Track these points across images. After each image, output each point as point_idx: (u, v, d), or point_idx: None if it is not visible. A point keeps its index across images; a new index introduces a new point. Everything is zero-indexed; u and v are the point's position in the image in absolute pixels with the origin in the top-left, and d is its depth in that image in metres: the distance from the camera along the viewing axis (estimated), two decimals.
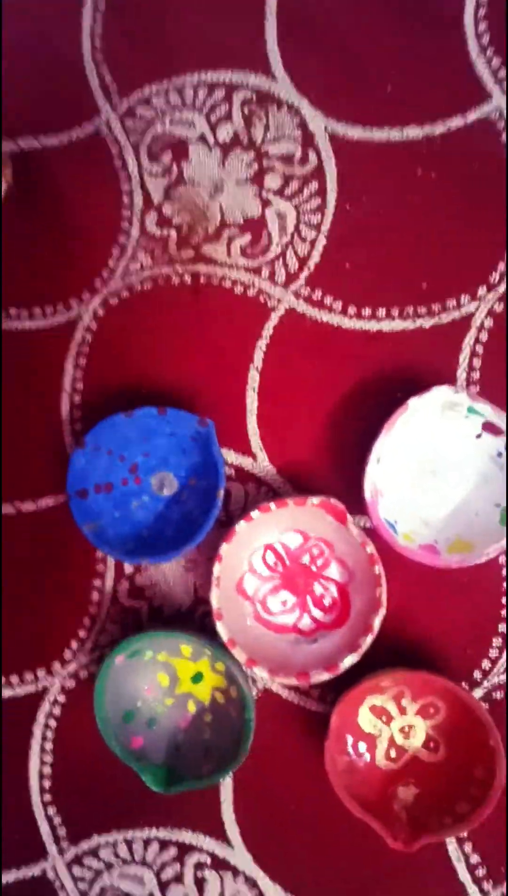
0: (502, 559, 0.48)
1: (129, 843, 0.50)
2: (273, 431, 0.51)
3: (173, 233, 0.52)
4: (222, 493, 0.46)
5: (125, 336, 0.52)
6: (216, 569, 0.46)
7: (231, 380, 0.51)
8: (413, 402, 0.45)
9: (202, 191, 0.52)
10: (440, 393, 0.45)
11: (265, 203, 0.51)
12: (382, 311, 0.50)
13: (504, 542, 0.43)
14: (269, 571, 0.49)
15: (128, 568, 0.51)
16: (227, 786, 0.49)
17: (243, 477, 0.51)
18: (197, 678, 0.50)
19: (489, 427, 0.46)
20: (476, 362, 0.49)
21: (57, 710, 0.51)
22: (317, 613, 0.49)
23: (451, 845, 0.47)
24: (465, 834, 0.47)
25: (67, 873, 0.51)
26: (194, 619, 0.51)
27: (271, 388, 0.51)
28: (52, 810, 0.51)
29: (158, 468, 0.51)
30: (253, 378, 0.51)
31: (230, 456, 0.51)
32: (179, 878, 0.50)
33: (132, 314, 0.52)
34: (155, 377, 0.52)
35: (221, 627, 0.45)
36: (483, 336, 0.49)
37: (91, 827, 0.51)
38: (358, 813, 0.43)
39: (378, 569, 0.45)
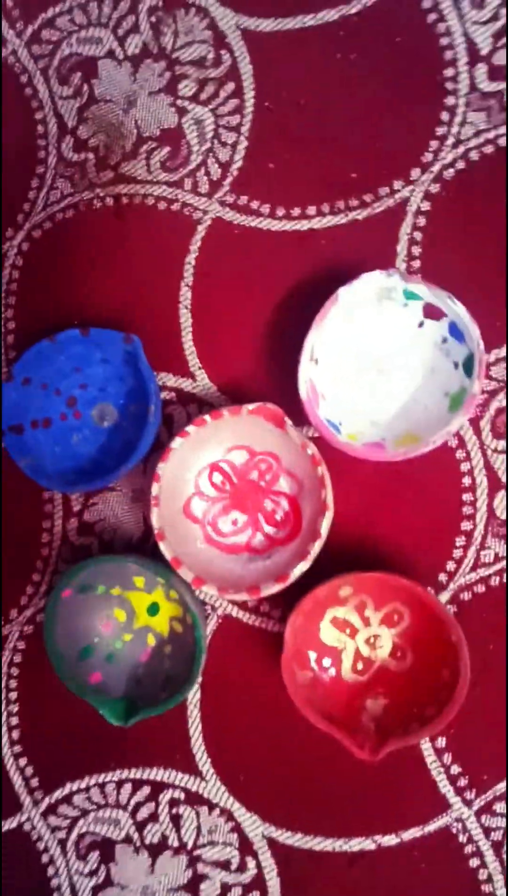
0: (459, 454, 0.45)
1: (101, 787, 0.49)
2: (210, 348, 0.49)
3: (91, 155, 0.50)
4: (153, 409, 0.44)
5: (52, 268, 0.51)
6: (154, 488, 0.44)
7: (163, 300, 0.49)
8: (343, 292, 0.42)
9: (116, 107, 0.50)
10: (370, 279, 0.42)
11: (181, 112, 0.49)
12: (312, 209, 0.47)
13: (450, 427, 0.40)
14: (216, 492, 0.47)
15: (76, 505, 0.50)
16: (194, 717, 0.48)
17: (183, 399, 0.49)
18: (153, 610, 0.48)
19: (430, 311, 0.43)
20: (416, 250, 0.46)
21: (18, 658, 0.50)
22: (269, 530, 0.46)
23: (429, 758, 0.44)
24: (443, 743, 0.44)
25: (44, 823, 0.50)
26: (147, 550, 0.49)
27: (205, 304, 0.49)
28: (22, 761, 0.50)
29: (96, 400, 0.49)
30: (185, 295, 0.49)
31: (169, 380, 0.49)
32: (154, 817, 0.48)
33: (57, 244, 0.51)
34: (86, 306, 0.50)
35: (164, 547, 0.43)
36: (421, 221, 0.46)
37: (63, 775, 0.50)
38: (322, 726, 0.41)
39: (321, 469, 0.42)
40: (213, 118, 0.49)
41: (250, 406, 0.43)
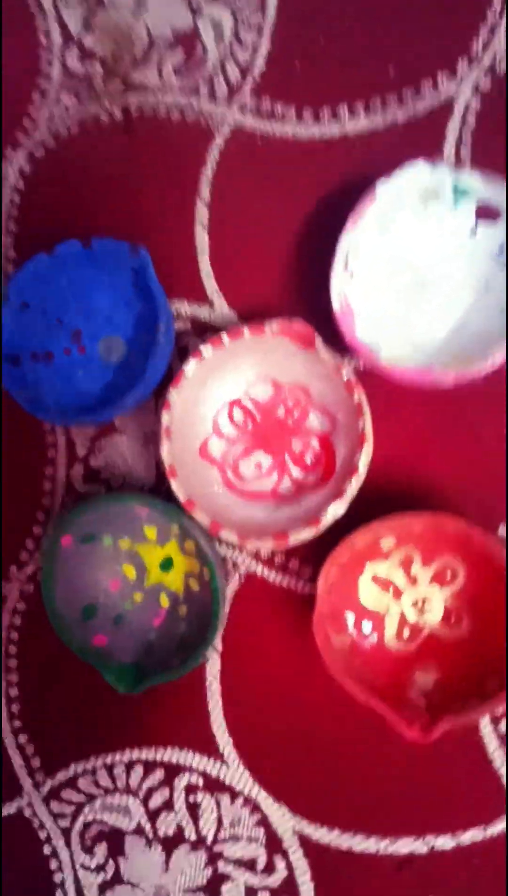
0: None
1: (109, 769, 0.43)
2: (230, 271, 0.43)
3: (98, 66, 0.45)
4: (162, 327, 0.38)
5: (57, 190, 0.46)
6: (165, 418, 0.38)
7: (177, 219, 0.44)
8: (382, 188, 0.36)
9: (124, 10, 0.45)
10: (414, 173, 0.36)
11: (197, 11, 0.44)
12: (344, 109, 0.42)
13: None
14: (237, 431, 0.41)
15: (81, 450, 0.45)
16: (214, 692, 0.41)
17: (200, 329, 0.43)
18: (166, 565, 0.42)
19: (484, 213, 0.37)
20: (465, 152, 0.40)
21: (18, 621, 0.45)
22: (298, 474, 0.40)
23: (491, 744, 0.37)
24: (502, 714, 0.37)
25: (45, 810, 0.44)
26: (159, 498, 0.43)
27: (224, 223, 0.43)
28: (22, 738, 0.45)
29: (103, 332, 0.44)
30: (201, 214, 0.43)
31: (184, 307, 0.44)
32: (169, 805, 0.42)
33: (62, 164, 0.46)
34: (92, 230, 0.45)
35: (176, 486, 0.38)
36: (471, 120, 0.40)
37: (67, 754, 0.44)
38: (363, 698, 0.34)
39: (358, 396, 0.36)
40: (231, 17, 0.43)
41: (274, 323, 0.37)
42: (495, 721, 0.37)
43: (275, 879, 0.40)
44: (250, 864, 0.40)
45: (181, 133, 0.44)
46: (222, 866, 0.41)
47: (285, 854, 0.40)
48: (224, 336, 0.38)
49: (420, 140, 0.41)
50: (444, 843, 0.38)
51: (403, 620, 0.38)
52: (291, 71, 0.43)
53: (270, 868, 0.40)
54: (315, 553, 0.40)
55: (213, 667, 0.42)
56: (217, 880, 0.41)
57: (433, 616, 0.38)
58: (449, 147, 0.40)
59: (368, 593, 0.38)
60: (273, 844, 0.40)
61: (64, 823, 0.44)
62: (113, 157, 0.45)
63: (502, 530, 0.38)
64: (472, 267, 0.38)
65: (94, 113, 0.45)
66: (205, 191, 0.43)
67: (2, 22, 0.47)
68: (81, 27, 0.46)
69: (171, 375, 0.41)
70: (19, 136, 0.46)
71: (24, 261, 0.45)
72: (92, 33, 0.46)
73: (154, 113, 0.44)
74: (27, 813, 0.44)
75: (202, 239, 0.43)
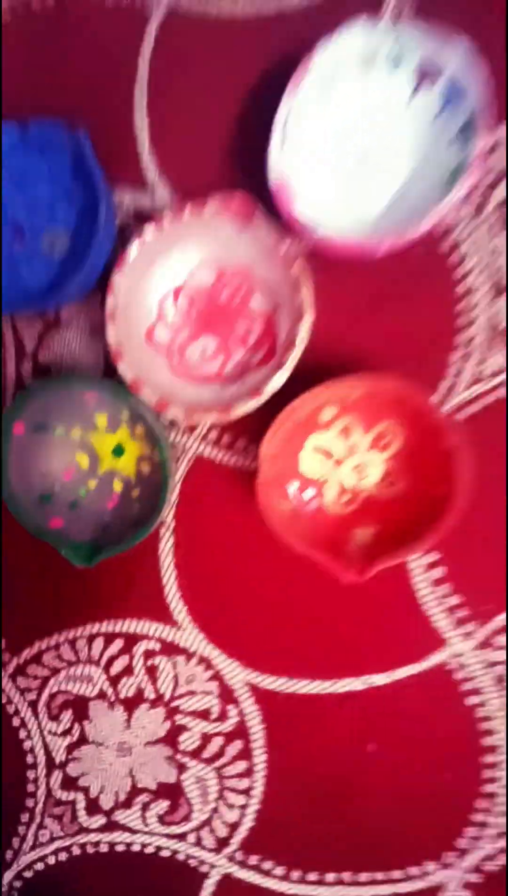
0: (454, 258, 0.40)
1: (72, 643, 0.46)
2: (170, 154, 0.43)
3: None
4: (103, 209, 0.38)
5: None
6: (110, 302, 0.39)
7: (115, 103, 0.43)
8: (319, 52, 0.36)
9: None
10: (350, 37, 0.36)
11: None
12: None
13: (443, 204, 0.35)
14: (182, 318, 0.42)
15: (29, 345, 0.45)
16: (168, 565, 0.44)
17: (141, 217, 0.43)
18: (118, 451, 0.43)
19: (423, 75, 0.37)
20: (405, 7, 0.40)
21: None
22: (242, 355, 0.42)
23: (424, 589, 0.41)
24: (440, 574, 0.41)
25: (13, 685, 0.47)
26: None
27: (163, 103, 0.42)
28: None
29: (45, 226, 0.43)
30: (140, 96, 0.42)
31: (126, 197, 0.43)
32: (129, 671, 0.45)
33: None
34: (27, 111, 0.43)
35: (123, 368, 0.39)
36: None
37: (32, 633, 0.46)
38: (301, 549, 0.37)
39: (296, 268, 0.37)
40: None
41: (215, 201, 0.38)
42: (428, 568, 0.41)
43: (228, 726, 0.44)
44: (204, 715, 0.44)
45: (117, 15, 0.42)
46: (179, 719, 0.44)
47: (236, 703, 0.44)
48: (165, 217, 0.38)
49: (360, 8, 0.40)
50: (380, 679, 0.42)
51: (342, 487, 0.41)
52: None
53: (223, 716, 0.44)
54: (259, 431, 0.42)
55: (166, 543, 0.44)
56: (175, 731, 0.44)
57: (371, 479, 0.41)
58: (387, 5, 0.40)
59: (309, 463, 0.41)
60: (226, 696, 0.44)
61: (31, 697, 0.47)
62: (48, 41, 0.43)
63: (436, 397, 0.41)
64: (411, 134, 0.38)
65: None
66: (143, 69, 0.42)
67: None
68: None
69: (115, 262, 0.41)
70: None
71: None
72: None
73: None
74: None
75: (142, 122, 0.43)
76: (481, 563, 0.40)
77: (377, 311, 0.40)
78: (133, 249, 0.39)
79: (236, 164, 0.42)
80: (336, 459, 0.41)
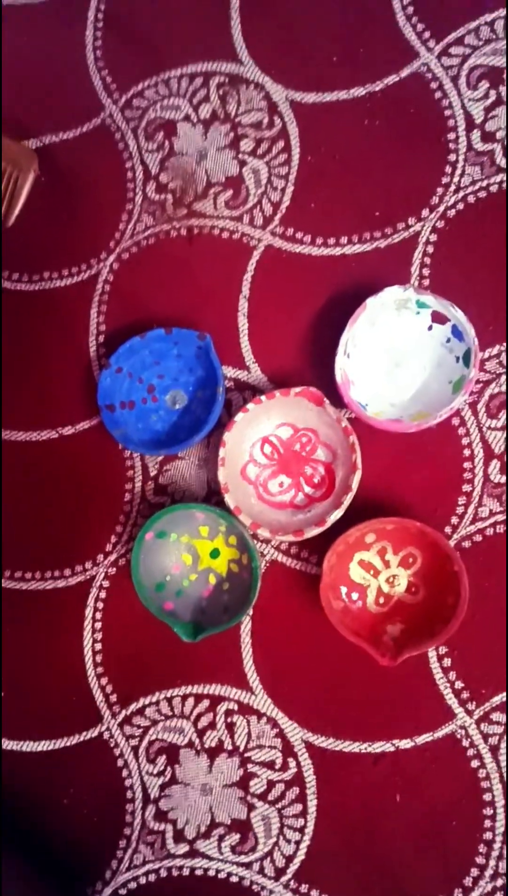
0: (461, 431, 0.57)
1: (169, 701, 0.60)
2: (262, 347, 0.61)
3: (169, 196, 0.64)
4: (221, 389, 0.56)
5: (136, 283, 0.64)
6: (221, 451, 0.56)
7: (225, 308, 0.62)
8: (370, 301, 0.54)
9: (190, 159, 0.64)
10: (392, 292, 0.54)
11: (242, 163, 0.62)
12: (344, 239, 0.60)
13: (454, 403, 0.52)
14: (267, 460, 0.59)
15: (152, 471, 0.62)
16: (247, 643, 0.58)
17: (240, 387, 0.61)
18: (215, 554, 0.59)
19: (437, 317, 0.55)
20: (426, 271, 0.59)
21: (103, 594, 0.62)
22: (309, 490, 0.58)
23: (437, 674, 0.55)
24: (449, 663, 0.55)
25: (120, 732, 0.61)
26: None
27: (258, 312, 0.61)
28: (104, 681, 0.61)
29: (170, 387, 0.62)
30: (243, 305, 0.62)
31: (229, 371, 0.61)
32: (212, 725, 0.58)
33: (141, 264, 0.64)
34: (162, 314, 0.63)
35: (228, 498, 0.55)
36: (430, 248, 0.59)
37: (138, 691, 0.61)
38: (352, 638, 0.52)
39: (352, 438, 0.54)
40: (267, 168, 0.62)
41: (297, 389, 0.55)
42: (440, 658, 0.55)
43: (288, 775, 0.57)
44: (270, 765, 0.57)
45: (230, 246, 0.62)
46: (250, 767, 0.57)
47: (295, 756, 0.57)
48: (263, 397, 0.56)
49: (396, 258, 0.59)
50: (405, 743, 0.55)
51: (379, 591, 0.56)
52: (308, 209, 0.61)
53: (284, 767, 0.57)
54: (318, 546, 0.58)
55: (245, 626, 0.59)
56: (247, 777, 0.57)
57: (400, 588, 0.56)
58: (415, 267, 0.59)
59: (356, 573, 0.56)
60: (287, 750, 0.57)
61: (134, 743, 0.60)
62: (178, 260, 0.63)
63: (448, 528, 0.56)
64: (430, 351, 0.56)
65: (165, 229, 0.63)
66: (246, 288, 0.62)
67: (102, 163, 0.65)
68: (158, 168, 0.64)
69: (219, 421, 0.59)
70: (111, 243, 0.64)
71: (109, 333, 0.64)
72: (166, 173, 0.64)
73: (210, 232, 0.63)
74: (105, 736, 0.61)
75: (243, 323, 0.61)
76: (479, 656, 0.54)
77: (406, 469, 0.57)
78: (239, 417, 0.56)
79: (308, 359, 0.60)
80: (375, 571, 0.56)
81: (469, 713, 0.54)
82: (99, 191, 0.65)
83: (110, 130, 0.65)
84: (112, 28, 0.66)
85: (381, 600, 0.56)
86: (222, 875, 0.57)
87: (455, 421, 0.57)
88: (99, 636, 0.62)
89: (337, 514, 0.53)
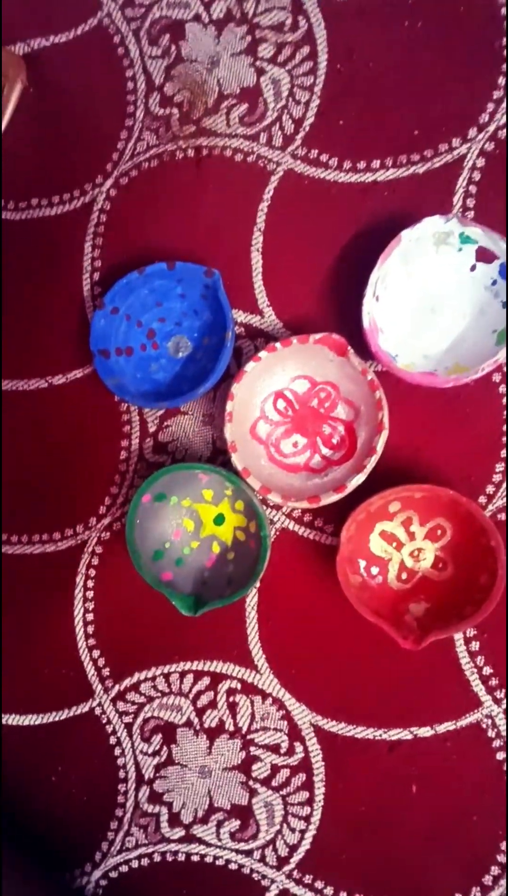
0: (502, 388, 0.50)
1: (166, 677, 0.55)
2: (278, 288, 0.54)
3: (175, 110, 0.55)
4: (230, 335, 0.49)
5: (136, 213, 0.56)
6: (229, 405, 0.49)
7: (236, 243, 0.54)
8: (406, 234, 0.47)
9: (200, 67, 0.55)
10: (430, 223, 0.47)
11: (260, 72, 0.54)
12: (376, 163, 0.52)
13: (499, 356, 0.45)
14: (280, 416, 0.52)
15: (151, 426, 0.56)
16: (252, 619, 0.53)
17: (252, 333, 0.54)
18: (219, 520, 0.53)
19: (482, 254, 0.47)
20: (470, 202, 0.51)
21: (95, 561, 0.56)
22: (326, 452, 0.52)
23: (464, 659, 0.49)
24: (476, 647, 0.49)
25: (113, 708, 0.56)
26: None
27: (274, 248, 0.54)
28: (96, 653, 0.56)
29: (173, 333, 0.55)
30: (257, 239, 0.54)
31: (239, 316, 0.54)
32: (213, 704, 0.54)
33: (141, 191, 0.56)
34: (166, 248, 0.55)
35: (235, 459, 0.49)
36: (476, 175, 0.50)
37: (132, 665, 0.56)
38: (371, 618, 0.46)
39: (379, 393, 0.47)
40: (289, 78, 0.53)
41: (317, 335, 0.48)
42: (467, 641, 0.49)
43: (294, 760, 0.52)
44: (275, 749, 0.52)
45: (243, 171, 0.54)
46: (253, 750, 0.53)
47: (302, 741, 0.52)
48: (278, 344, 0.49)
49: (436, 187, 0.51)
50: (425, 732, 0.50)
51: (402, 566, 0.50)
52: (336, 127, 0.53)
53: (290, 752, 0.52)
54: (335, 514, 0.52)
55: (251, 599, 0.53)
56: (249, 761, 0.53)
57: (426, 563, 0.50)
58: (458, 199, 0.51)
59: (377, 545, 0.50)
60: (294, 734, 0.52)
61: (127, 720, 0.56)
62: (184, 187, 0.55)
63: (482, 498, 0.50)
64: (471, 296, 0.49)
65: (170, 149, 0.55)
66: (260, 220, 0.54)
67: (97, 71, 0.56)
68: (163, 77, 0.55)
69: (226, 371, 0.52)
70: (108, 166, 0.56)
71: (105, 269, 0.56)
72: (172, 83, 0.55)
73: (221, 153, 0.55)
74: (97, 711, 0.56)
75: (257, 260, 0.54)
76: None
77: (440, 430, 0.50)
78: (250, 366, 0.49)
79: (330, 303, 0.52)
80: (398, 544, 0.50)
81: (497, 701, 0.49)
82: (95, 104, 0.57)
83: (109, 33, 0.56)
84: None
85: (404, 576, 0.50)
86: (219, 862, 0.53)
87: (497, 377, 0.50)
88: (91, 606, 0.56)
89: (359, 479, 0.47)
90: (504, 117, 0.50)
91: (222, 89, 0.54)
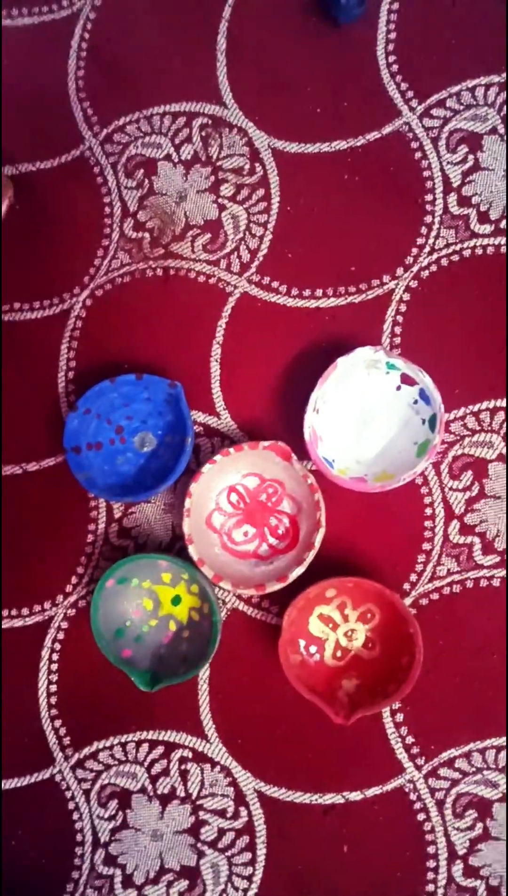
0: (423, 490, 0.58)
1: (123, 746, 0.59)
2: (234, 394, 0.61)
3: (147, 235, 0.63)
4: (189, 440, 0.56)
5: (109, 322, 0.63)
6: (187, 503, 0.56)
7: (198, 353, 0.62)
8: (341, 361, 0.55)
9: (170, 199, 0.63)
10: (363, 352, 0.55)
11: (221, 208, 0.62)
12: (319, 292, 0.61)
13: (416, 469, 0.53)
14: (232, 508, 0.59)
15: (116, 513, 0.61)
16: (204, 691, 0.59)
17: (209, 433, 0.61)
18: (176, 601, 0.59)
19: (405, 379, 0.56)
20: (398, 329, 0.60)
21: (61, 636, 0.61)
22: (273, 541, 0.58)
23: (390, 729, 0.56)
24: (401, 718, 0.56)
25: (72, 775, 0.60)
26: (172, 552, 0.60)
27: (231, 359, 0.61)
28: (58, 723, 0.61)
29: (139, 429, 0.61)
30: (216, 351, 0.61)
31: (199, 416, 0.61)
32: (166, 772, 0.59)
33: (114, 303, 0.63)
34: (134, 355, 0.62)
35: (191, 550, 0.55)
36: (402, 307, 0.60)
37: (91, 734, 0.60)
38: (307, 695, 0.52)
39: (317, 495, 0.55)
40: (246, 215, 0.62)
41: (266, 443, 0.56)
42: (393, 713, 0.56)
43: (239, 823, 0.57)
44: (221, 813, 0.57)
45: (205, 291, 0.62)
46: (202, 815, 0.58)
47: (247, 805, 0.57)
48: (231, 449, 0.56)
49: (369, 316, 0.60)
50: (355, 796, 0.56)
51: (337, 645, 0.57)
52: (285, 260, 0.61)
53: (236, 816, 0.57)
54: (280, 598, 0.58)
55: (204, 673, 0.59)
56: (198, 825, 0.58)
57: (358, 643, 0.56)
58: (387, 325, 0.60)
59: (315, 626, 0.57)
60: (239, 799, 0.57)
61: (86, 786, 0.60)
62: (153, 301, 0.63)
63: (406, 585, 0.57)
64: (397, 411, 0.57)
65: (141, 268, 0.63)
66: (219, 335, 0.62)
67: (79, 195, 0.64)
68: (137, 206, 0.63)
69: (189, 467, 0.58)
70: (85, 279, 0.63)
71: (79, 372, 0.63)
72: (144, 211, 0.63)
73: (186, 274, 0.62)
74: (57, 778, 0.60)
75: (215, 369, 0.61)
76: (431, 712, 0.56)
77: (369, 525, 0.58)
78: (207, 468, 0.56)
79: (278, 411, 0.60)
80: (334, 625, 0.57)
81: (419, 768, 0.56)
82: (75, 224, 0.64)
83: (90, 164, 0.64)
84: (96, 59, 0.65)
85: (338, 654, 0.57)
86: None
87: (419, 480, 0.58)
88: (55, 678, 0.61)
89: (299, 571, 0.54)
90: (426, 260, 0.59)
91: (189, 220, 0.63)
